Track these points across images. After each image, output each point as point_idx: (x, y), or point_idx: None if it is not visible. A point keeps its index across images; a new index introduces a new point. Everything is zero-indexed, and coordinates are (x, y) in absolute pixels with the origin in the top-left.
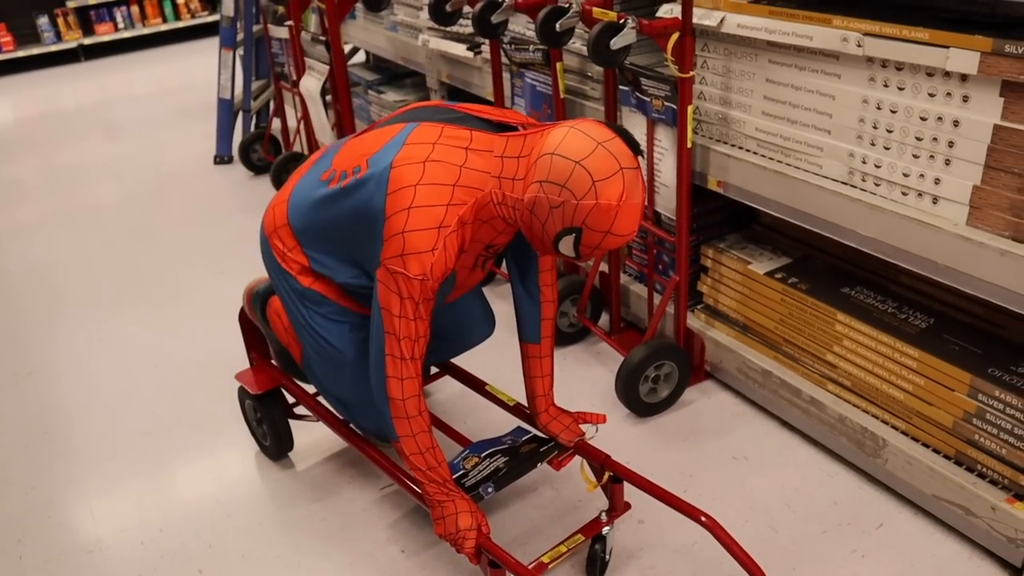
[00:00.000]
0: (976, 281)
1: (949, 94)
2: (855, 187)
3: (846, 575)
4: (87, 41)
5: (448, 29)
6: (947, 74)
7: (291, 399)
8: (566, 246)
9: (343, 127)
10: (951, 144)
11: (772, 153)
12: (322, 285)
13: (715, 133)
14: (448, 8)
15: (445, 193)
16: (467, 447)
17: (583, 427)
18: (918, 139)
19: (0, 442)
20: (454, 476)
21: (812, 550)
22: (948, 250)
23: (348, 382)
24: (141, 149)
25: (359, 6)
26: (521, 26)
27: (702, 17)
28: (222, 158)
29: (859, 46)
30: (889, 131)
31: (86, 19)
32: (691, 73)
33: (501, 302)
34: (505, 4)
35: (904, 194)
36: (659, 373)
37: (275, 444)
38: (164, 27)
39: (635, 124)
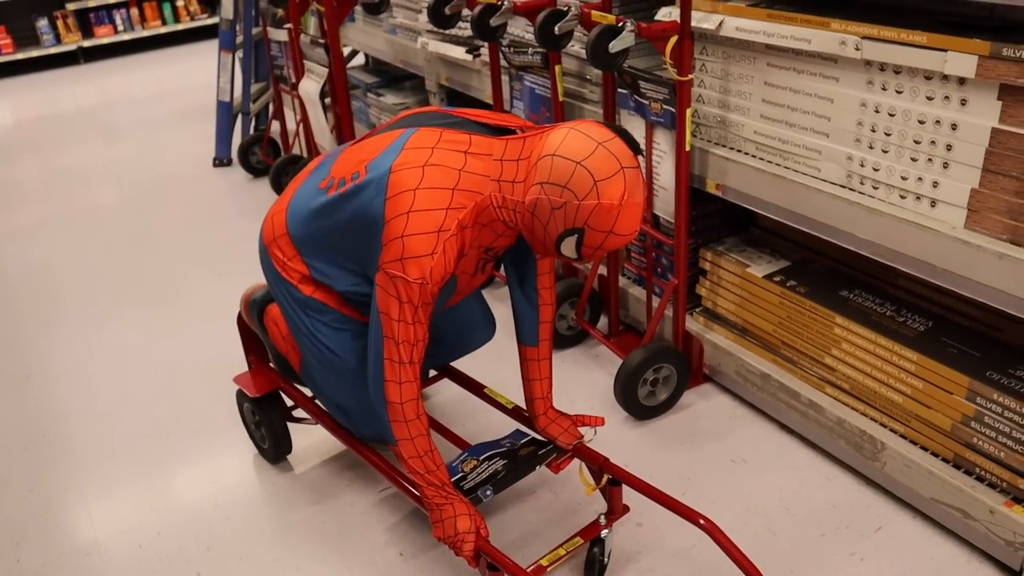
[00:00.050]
0: (974, 284)
1: (947, 97)
2: (853, 190)
3: None
4: (86, 43)
5: (447, 32)
6: (945, 77)
7: (289, 402)
8: (568, 247)
9: (342, 130)
10: (949, 147)
11: (771, 156)
12: (323, 294)
13: (714, 136)
14: (447, 11)
15: (444, 197)
16: (465, 450)
17: (582, 430)
18: (916, 142)
19: None
20: (453, 479)
21: (810, 553)
22: (946, 253)
23: (350, 390)
24: (140, 151)
25: (358, 9)
26: (520, 29)
27: (701, 20)
28: (221, 160)
29: (857, 49)
30: (887, 134)
31: (85, 21)
32: (690, 76)
33: (500, 305)
34: (504, 7)
35: (902, 197)
36: (658, 376)
37: (273, 447)
38: (163, 29)
39: (634, 127)
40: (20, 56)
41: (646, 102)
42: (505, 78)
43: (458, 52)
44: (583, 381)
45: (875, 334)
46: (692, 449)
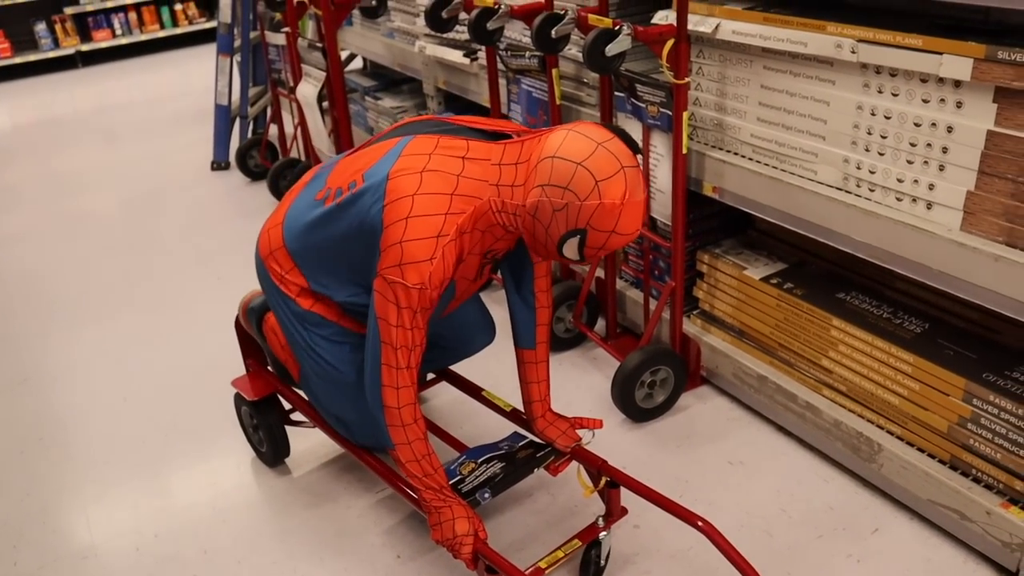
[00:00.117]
0: (970, 286)
1: (943, 100)
2: (850, 193)
3: None
4: (85, 47)
5: (444, 36)
6: (941, 80)
7: (287, 405)
8: (571, 249)
9: (340, 133)
10: (945, 150)
11: (767, 159)
12: (322, 307)
13: (710, 139)
14: (444, 15)
15: (443, 202)
16: (464, 453)
17: (580, 432)
18: (912, 145)
19: None
20: (451, 482)
21: (807, 555)
22: (942, 255)
23: (349, 402)
24: (138, 155)
25: (356, 13)
26: (517, 33)
27: (697, 24)
28: (219, 164)
29: (853, 52)
30: (883, 137)
31: (84, 26)
32: (686, 79)
33: (498, 308)
34: (501, 11)
35: (898, 200)
36: (655, 378)
37: (271, 450)
38: (162, 33)
39: (631, 130)
40: (18, 60)
41: (643, 105)
42: (502, 81)
43: (455, 56)
44: (580, 383)
45: (872, 336)
46: (689, 451)
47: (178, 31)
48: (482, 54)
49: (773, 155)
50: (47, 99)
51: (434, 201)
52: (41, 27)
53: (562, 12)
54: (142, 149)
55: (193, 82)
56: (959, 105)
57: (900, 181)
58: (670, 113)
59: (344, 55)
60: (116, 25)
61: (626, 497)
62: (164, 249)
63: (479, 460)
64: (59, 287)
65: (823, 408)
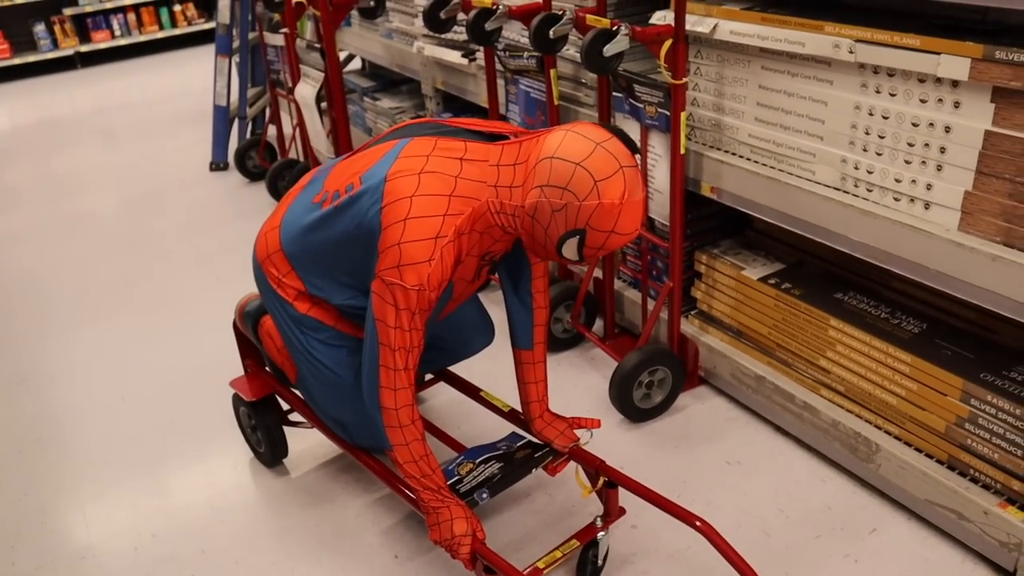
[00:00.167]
0: (968, 286)
1: (940, 100)
2: (848, 193)
3: None
4: (84, 48)
5: (443, 36)
6: (938, 80)
7: (285, 406)
8: (570, 249)
9: (338, 134)
10: (943, 150)
11: (765, 159)
12: (319, 311)
13: (708, 139)
14: (442, 15)
15: (441, 204)
16: (462, 453)
17: (578, 432)
18: (910, 145)
19: None
20: (449, 482)
21: (805, 555)
22: (940, 255)
23: (347, 405)
24: (137, 156)
25: (354, 13)
26: (515, 33)
27: (695, 24)
28: (218, 165)
29: (851, 52)
30: (881, 137)
31: (83, 26)
32: (684, 80)
33: (496, 308)
34: (499, 11)
35: (896, 200)
36: (653, 379)
37: (269, 451)
38: (161, 34)
39: (629, 130)
40: (17, 61)
41: (641, 105)
42: (500, 82)
43: (454, 56)
44: (578, 384)
45: (869, 336)
46: (687, 451)
47: (177, 32)
48: (480, 54)
49: (771, 155)
50: (46, 100)
51: (432, 202)
52: (40, 28)
53: (560, 12)
54: (141, 150)
55: (192, 83)
56: (957, 105)
57: (898, 181)
58: (668, 113)
59: (343, 56)
60: (115, 26)
61: (624, 497)
62: (163, 250)
63: (477, 460)
64: (58, 287)
65: (821, 408)
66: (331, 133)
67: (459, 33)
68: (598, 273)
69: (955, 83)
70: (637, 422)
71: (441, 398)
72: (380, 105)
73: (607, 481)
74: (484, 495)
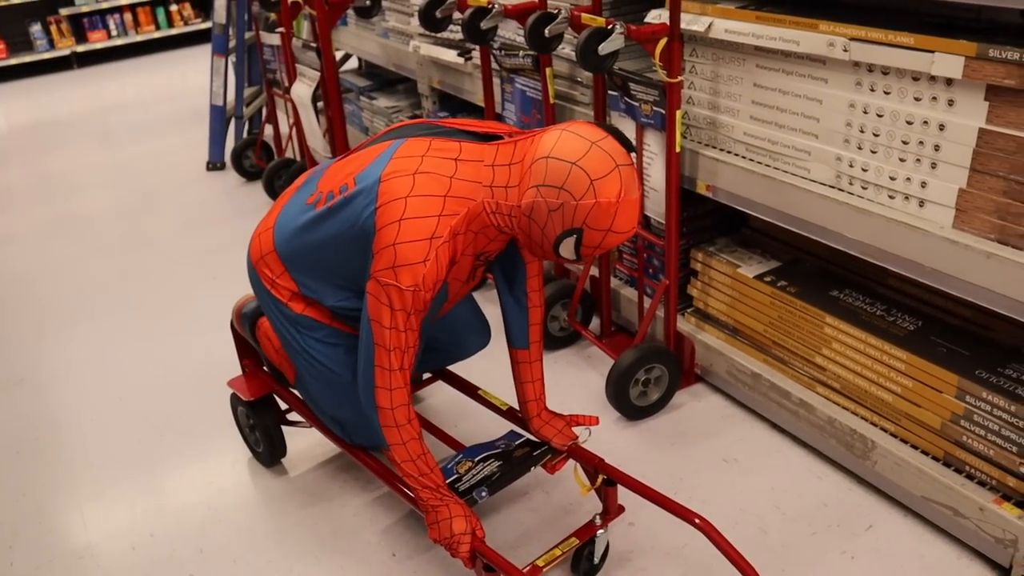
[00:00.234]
0: (962, 283)
1: (935, 98)
2: (843, 191)
3: None
4: (80, 48)
5: (439, 35)
6: (932, 78)
7: (284, 405)
8: (567, 248)
9: (334, 134)
10: (937, 148)
11: (760, 157)
12: (314, 310)
13: (704, 137)
14: (438, 14)
15: (436, 204)
16: (460, 452)
17: (576, 430)
18: (904, 143)
19: None
20: (448, 481)
21: (802, 552)
22: (935, 253)
23: (345, 403)
24: (134, 156)
25: (350, 12)
26: (511, 32)
27: (690, 22)
28: (215, 164)
29: (845, 51)
30: (876, 135)
31: (79, 26)
32: (679, 78)
33: (492, 307)
34: (494, 10)
35: (891, 197)
36: (649, 376)
37: (268, 450)
38: (157, 34)
39: (624, 129)
40: (14, 61)
41: (636, 104)
42: (496, 81)
43: (450, 55)
44: (575, 382)
45: (865, 333)
46: (683, 449)
47: (173, 32)
48: (476, 53)
49: (766, 153)
50: (43, 100)
51: (427, 203)
52: (36, 28)
53: (555, 11)
54: (137, 150)
55: (188, 83)
56: (951, 103)
57: (892, 179)
58: (663, 112)
59: (339, 55)
60: (111, 26)
61: (622, 495)
62: (160, 250)
63: (476, 459)
64: (55, 288)
65: (817, 405)
66: (327, 132)
67: (455, 32)
68: (594, 271)
69: (949, 81)
70: (633, 420)
71: (439, 397)
72: (376, 104)
73: (606, 479)
74: (483, 493)
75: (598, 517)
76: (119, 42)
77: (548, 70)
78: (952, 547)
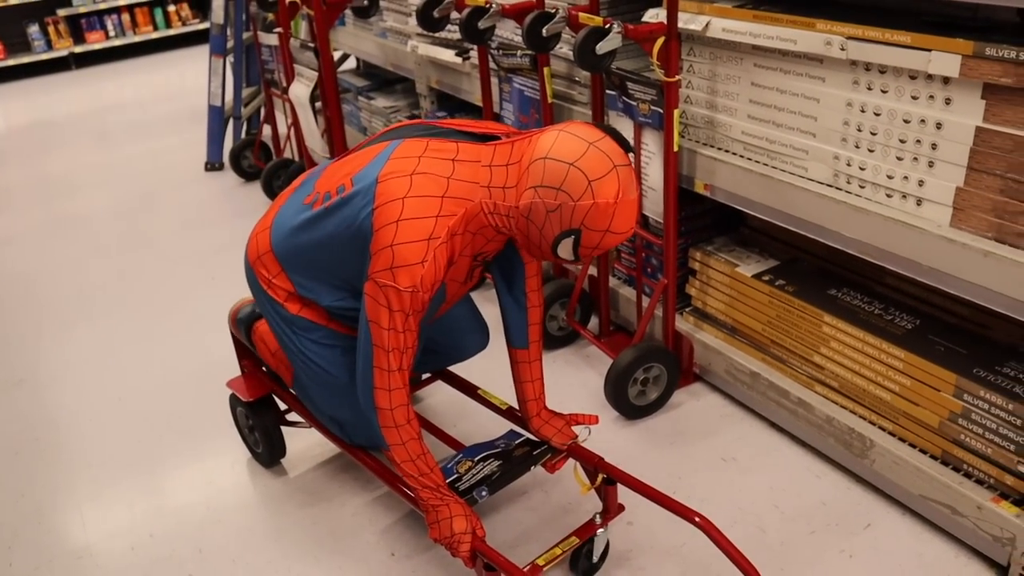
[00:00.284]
0: (960, 282)
1: (932, 97)
2: (840, 189)
3: (834, 575)
4: (78, 49)
5: (437, 35)
6: (930, 77)
7: (283, 406)
8: (565, 249)
9: (333, 134)
10: (934, 146)
11: (758, 156)
12: (310, 311)
13: (701, 136)
14: (436, 14)
15: (434, 205)
16: (460, 451)
17: (576, 429)
18: (902, 141)
19: None
20: (448, 480)
21: (800, 550)
22: (932, 251)
23: (343, 403)
24: (132, 157)
25: (348, 12)
26: (508, 32)
27: (687, 21)
28: (213, 165)
29: (843, 49)
30: (873, 134)
31: (77, 27)
32: (677, 77)
33: (491, 307)
34: (492, 10)
35: (888, 196)
36: (648, 376)
37: (267, 451)
38: (155, 35)
39: (622, 128)
40: (11, 62)
41: (634, 103)
42: (494, 80)
43: (448, 55)
44: (574, 381)
45: (863, 332)
46: (682, 448)
47: (171, 32)
48: (474, 53)
49: (764, 152)
50: (40, 101)
51: (424, 204)
52: (34, 29)
53: (553, 10)
54: (136, 150)
55: (186, 83)
56: (948, 101)
57: (890, 178)
58: (661, 111)
59: (337, 55)
60: (109, 27)
61: (621, 494)
62: (158, 250)
63: (476, 458)
64: (54, 288)
65: (815, 404)
66: (325, 132)
67: (453, 32)
68: (593, 271)
69: (946, 80)
70: (632, 419)
71: (439, 396)
72: (375, 104)
73: (606, 478)
74: (483, 493)
75: (598, 516)
76: (117, 43)
77: (546, 69)
78: (950, 545)
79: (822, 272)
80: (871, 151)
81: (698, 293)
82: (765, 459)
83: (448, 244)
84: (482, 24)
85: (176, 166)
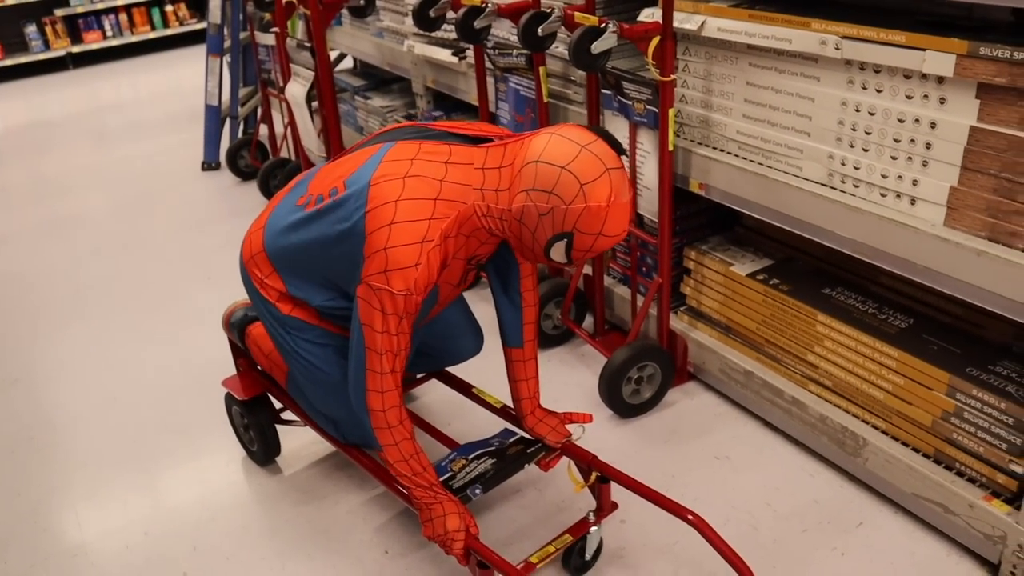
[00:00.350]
0: (953, 281)
1: (926, 96)
2: (835, 189)
3: (826, 573)
4: (75, 49)
5: (433, 35)
6: (924, 76)
7: (278, 404)
8: (558, 252)
9: (329, 133)
10: (928, 146)
11: (753, 155)
12: (301, 311)
13: (696, 136)
14: (432, 14)
15: (427, 208)
16: (454, 450)
17: (570, 428)
18: (896, 141)
19: None
20: (442, 478)
21: (793, 549)
22: (926, 251)
23: (337, 401)
24: (129, 156)
25: (345, 12)
26: (504, 31)
27: (683, 21)
28: (210, 164)
29: (837, 49)
30: (868, 133)
31: (74, 27)
32: (672, 77)
33: (487, 306)
34: (488, 9)
35: (883, 195)
36: (642, 374)
37: (262, 450)
38: (152, 35)
39: (617, 127)
40: (9, 62)
41: (629, 102)
42: (490, 80)
43: (444, 55)
44: (568, 380)
45: (857, 331)
46: (676, 446)
47: (169, 32)
48: (470, 53)
49: (759, 152)
50: (38, 101)
51: (417, 206)
52: (31, 29)
53: (548, 10)
54: (132, 150)
55: (183, 83)
56: (942, 101)
57: (884, 177)
58: (656, 110)
59: (334, 55)
60: (107, 27)
61: (615, 492)
62: (154, 249)
63: (470, 456)
64: (50, 288)
65: (809, 403)
66: (322, 132)
67: (449, 31)
68: (588, 270)
69: (940, 79)
70: (626, 418)
71: (433, 395)
72: (371, 104)
73: (599, 476)
74: (477, 491)
75: (591, 514)
76: (114, 43)
77: (542, 69)
78: (942, 544)
79: (816, 271)
80: (866, 150)
81: (693, 292)
82: (758, 457)
83: (441, 247)
84: (478, 24)
85: (173, 166)
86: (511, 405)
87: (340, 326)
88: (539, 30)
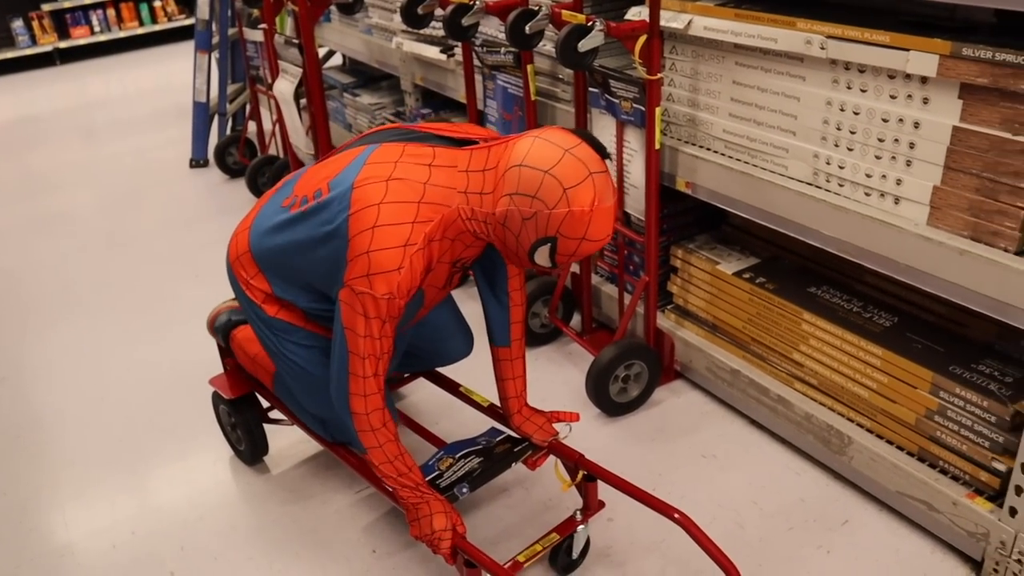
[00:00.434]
0: (936, 280)
1: (910, 96)
2: (820, 188)
3: (812, 571)
4: (62, 45)
5: (421, 32)
6: (908, 76)
7: (265, 404)
8: (542, 256)
9: (317, 130)
10: (912, 145)
11: (739, 154)
12: (287, 313)
13: (683, 134)
14: (420, 11)
15: (410, 211)
16: (441, 448)
17: (557, 427)
18: (880, 140)
19: None
20: (429, 477)
21: (779, 547)
22: (909, 250)
23: (327, 401)
24: (116, 153)
25: (333, 9)
26: (493, 29)
27: (670, 20)
28: (198, 162)
29: (823, 48)
30: (852, 133)
31: (61, 22)
32: (659, 75)
33: (473, 303)
34: (476, 7)
35: (867, 195)
36: (629, 373)
37: (250, 449)
38: (140, 30)
39: (604, 126)
40: None
41: (616, 101)
42: (478, 77)
43: (432, 52)
44: (556, 378)
45: (842, 330)
46: (663, 445)
47: (157, 28)
48: (458, 50)
49: (745, 150)
50: (24, 97)
51: (401, 210)
52: (18, 24)
53: (536, 8)
54: (120, 146)
55: (172, 79)
56: (926, 101)
57: (868, 176)
58: (643, 109)
59: (322, 52)
60: (94, 22)
61: (601, 490)
62: (142, 246)
63: (457, 455)
64: (37, 286)
65: (794, 401)
66: (310, 129)
67: (438, 29)
68: (575, 268)
69: (924, 79)
70: (613, 416)
71: (420, 394)
72: (360, 101)
73: (586, 475)
74: (464, 490)
75: (578, 512)
76: (102, 38)
77: (529, 67)
78: (927, 541)
79: (802, 270)
80: (850, 150)
81: (679, 291)
82: (744, 456)
83: (425, 250)
84: (466, 21)
85: (161, 163)
86: (499, 404)
87: (326, 328)
88: (527, 28)
